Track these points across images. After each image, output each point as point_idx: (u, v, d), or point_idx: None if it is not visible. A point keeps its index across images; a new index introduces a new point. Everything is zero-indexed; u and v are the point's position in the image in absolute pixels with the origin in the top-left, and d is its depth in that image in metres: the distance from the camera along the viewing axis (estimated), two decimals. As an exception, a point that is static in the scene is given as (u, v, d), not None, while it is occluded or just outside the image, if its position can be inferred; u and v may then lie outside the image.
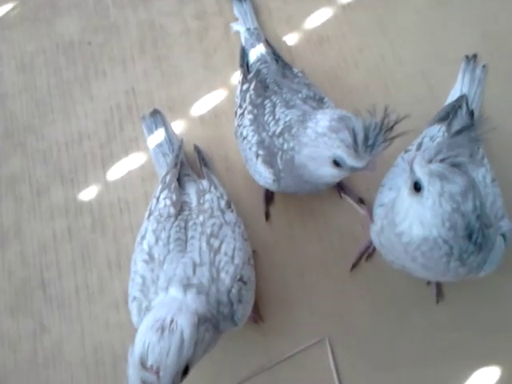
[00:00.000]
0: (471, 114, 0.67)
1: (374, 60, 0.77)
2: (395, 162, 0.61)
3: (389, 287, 0.64)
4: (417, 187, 0.46)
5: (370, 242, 0.63)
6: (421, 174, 0.44)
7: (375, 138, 0.47)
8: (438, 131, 0.63)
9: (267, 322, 0.63)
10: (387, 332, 0.62)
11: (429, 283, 0.63)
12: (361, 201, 0.68)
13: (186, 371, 0.44)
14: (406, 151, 0.62)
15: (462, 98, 0.68)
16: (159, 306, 0.47)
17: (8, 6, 0.82)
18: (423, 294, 0.63)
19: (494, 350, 0.60)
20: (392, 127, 0.48)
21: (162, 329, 0.43)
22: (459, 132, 0.45)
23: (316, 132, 0.51)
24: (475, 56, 0.74)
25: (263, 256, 0.66)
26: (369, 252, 0.66)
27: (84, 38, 0.79)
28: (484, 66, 0.74)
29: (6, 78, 0.77)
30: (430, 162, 0.44)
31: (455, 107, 0.67)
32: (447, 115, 0.66)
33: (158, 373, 0.42)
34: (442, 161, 0.44)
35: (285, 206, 0.68)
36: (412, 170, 0.46)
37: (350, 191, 0.68)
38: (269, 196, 0.68)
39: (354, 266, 0.65)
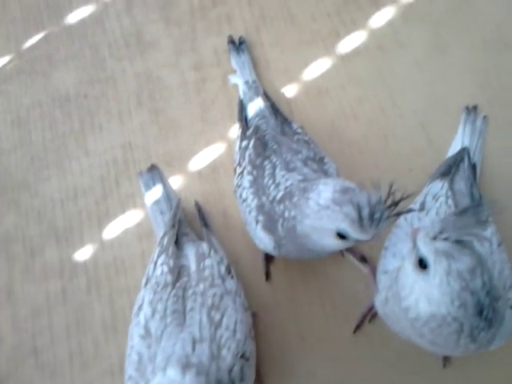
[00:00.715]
0: (473, 167, 0.67)
1: (374, 112, 0.76)
2: (397, 222, 0.60)
3: (393, 350, 0.62)
4: (422, 264, 0.44)
5: (374, 302, 0.61)
6: (425, 251, 0.43)
7: (381, 213, 0.46)
8: (441, 189, 0.62)
9: (268, 390, 0.61)
10: (392, 398, 0.60)
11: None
12: (363, 259, 0.66)
13: None
14: (409, 210, 0.61)
15: (464, 151, 0.68)
16: (156, 391, 0.45)
17: (5, 59, 0.81)
18: (429, 357, 0.61)
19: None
20: (398, 203, 0.47)
21: (160, 417, 0.41)
22: (465, 211, 0.43)
23: (318, 204, 0.49)
24: (475, 107, 0.74)
25: (263, 318, 0.64)
26: (372, 313, 0.64)
27: (80, 91, 0.78)
28: (485, 117, 0.74)
29: (1, 132, 0.75)
30: (435, 239, 0.43)
31: (457, 160, 0.66)
32: (449, 169, 0.65)
33: None
34: (446, 239, 0.43)
35: (285, 265, 0.67)
36: (416, 247, 0.44)
37: (352, 249, 0.67)
38: (269, 255, 0.67)
39: (357, 327, 0.64)
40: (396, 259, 0.54)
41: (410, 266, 0.46)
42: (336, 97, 0.77)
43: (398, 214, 0.48)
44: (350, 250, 0.67)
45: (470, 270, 0.43)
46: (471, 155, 0.68)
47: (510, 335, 0.50)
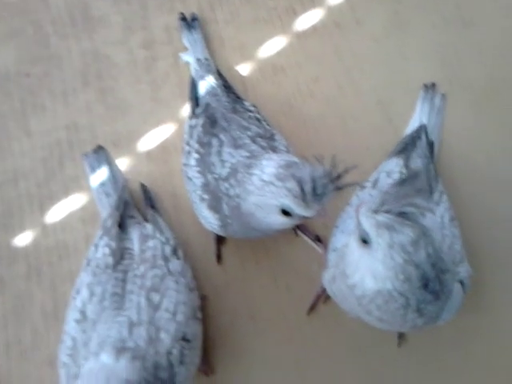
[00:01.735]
0: (431, 144, 0.65)
1: (331, 90, 0.74)
2: (350, 201, 0.58)
3: (348, 331, 0.61)
4: (366, 239, 0.43)
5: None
6: (367, 225, 0.42)
7: (324, 187, 0.44)
8: (395, 166, 0.61)
9: (218, 374, 0.59)
10: (348, 379, 0.59)
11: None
12: (317, 239, 0.65)
13: None
14: (362, 188, 0.59)
15: (421, 129, 0.66)
16: (86, 376, 0.42)
17: None
18: (384, 337, 0.60)
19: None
20: (340, 177, 0.45)
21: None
22: (405, 181, 0.42)
23: (262, 180, 0.47)
24: (434, 85, 0.73)
25: (214, 300, 0.62)
26: (326, 294, 0.62)
27: (21, 70, 0.74)
28: (443, 95, 0.73)
29: None
30: (376, 212, 0.42)
31: (414, 138, 0.65)
32: (405, 147, 0.63)
33: None
34: (387, 211, 0.41)
35: (237, 245, 0.64)
36: (359, 222, 0.43)
37: (305, 228, 0.65)
38: (221, 236, 0.64)
39: (311, 308, 0.62)
40: (344, 235, 0.53)
41: (354, 243, 0.44)
42: (292, 75, 0.75)
43: (341, 188, 0.46)
44: (303, 229, 0.65)
45: (413, 241, 0.42)
46: (428, 133, 0.67)
47: (458, 309, 0.48)
